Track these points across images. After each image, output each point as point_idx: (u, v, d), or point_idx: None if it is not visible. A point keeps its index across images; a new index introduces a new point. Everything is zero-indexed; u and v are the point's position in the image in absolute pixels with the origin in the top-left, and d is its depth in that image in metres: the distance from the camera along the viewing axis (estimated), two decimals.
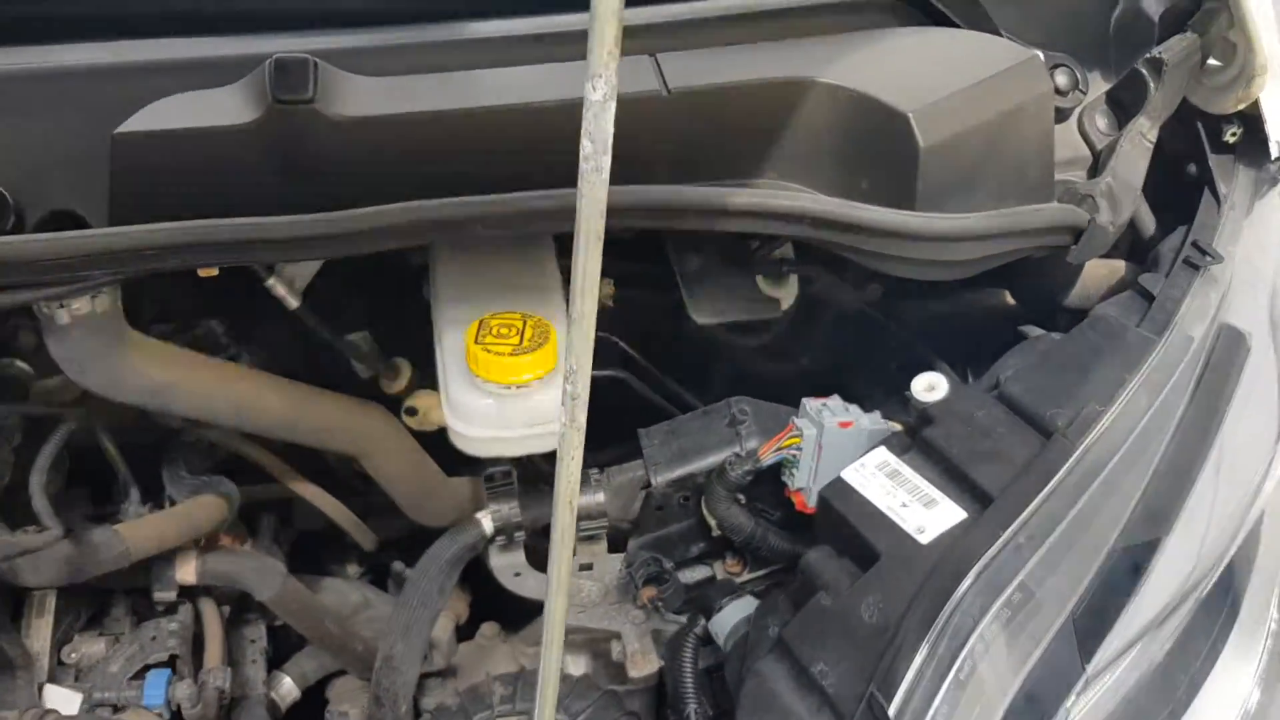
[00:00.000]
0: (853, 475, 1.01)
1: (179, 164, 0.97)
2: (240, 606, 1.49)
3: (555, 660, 0.71)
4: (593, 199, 0.51)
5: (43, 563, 1.15)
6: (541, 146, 1.02)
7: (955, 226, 0.99)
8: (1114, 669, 0.87)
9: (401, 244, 0.98)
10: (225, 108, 0.97)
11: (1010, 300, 1.46)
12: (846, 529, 0.99)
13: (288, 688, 1.50)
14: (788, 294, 1.26)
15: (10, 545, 1.10)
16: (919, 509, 0.96)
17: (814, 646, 0.93)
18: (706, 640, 1.36)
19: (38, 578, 1.15)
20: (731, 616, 1.13)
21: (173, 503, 1.36)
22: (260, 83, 0.96)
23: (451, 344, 1.12)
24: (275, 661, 1.48)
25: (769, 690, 0.94)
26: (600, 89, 0.50)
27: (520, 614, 1.52)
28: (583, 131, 0.52)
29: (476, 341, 1.05)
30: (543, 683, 0.71)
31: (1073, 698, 0.85)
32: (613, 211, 0.95)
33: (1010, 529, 0.90)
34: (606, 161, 0.52)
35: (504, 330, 1.05)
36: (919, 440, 1.03)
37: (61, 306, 1.00)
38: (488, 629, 1.64)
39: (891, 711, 0.83)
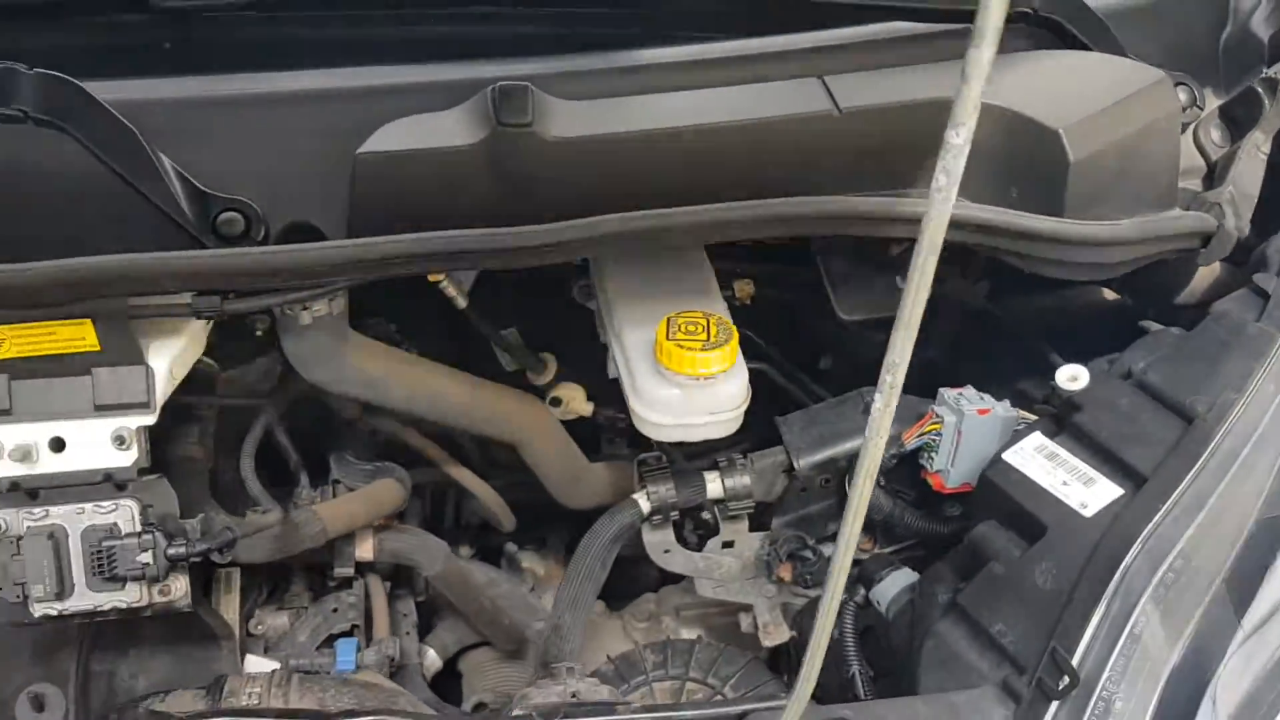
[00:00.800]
0: (1013, 457, 1.13)
1: (411, 180, 1.08)
2: (393, 583, 1.61)
3: (826, 631, 0.82)
4: (939, 221, 0.62)
5: (257, 542, 1.26)
6: (729, 162, 1.14)
7: (1110, 233, 1.11)
8: (1265, 628, 0.98)
9: (613, 251, 1.09)
10: (451, 130, 1.08)
11: (1108, 296, 1.57)
12: (1011, 505, 1.10)
13: (431, 659, 1.62)
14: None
15: (247, 525, 1.21)
16: (1079, 486, 1.08)
17: (991, 610, 1.05)
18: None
19: (250, 555, 1.27)
20: (892, 586, 1.24)
21: (341, 485, 1.48)
22: (484, 108, 1.07)
23: (634, 340, 1.23)
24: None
25: (949, 649, 1.06)
26: (961, 135, 0.61)
27: (623, 593, 1.65)
28: (938, 167, 0.62)
29: (669, 338, 1.16)
30: (811, 653, 0.82)
31: (1231, 652, 0.96)
32: (816, 220, 1.07)
33: (1167, 503, 1.02)
34: (954, 193, 0.63)
35: (691, 327, 1.17)
36: (1069, 425, 1.14)
37: (305, 309, 1.12)
38: (596, 605, 1.76)
39: (1076, 661, 0.94)
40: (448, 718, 1.04)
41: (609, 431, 1.68)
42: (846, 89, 1.15)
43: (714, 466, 1.41)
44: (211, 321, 1.15)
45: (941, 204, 0.60)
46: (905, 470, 1.37)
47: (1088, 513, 1.05)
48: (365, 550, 1.45)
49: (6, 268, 0.99)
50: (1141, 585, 0.97)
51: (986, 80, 0.59)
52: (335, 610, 1.47)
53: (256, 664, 1.39)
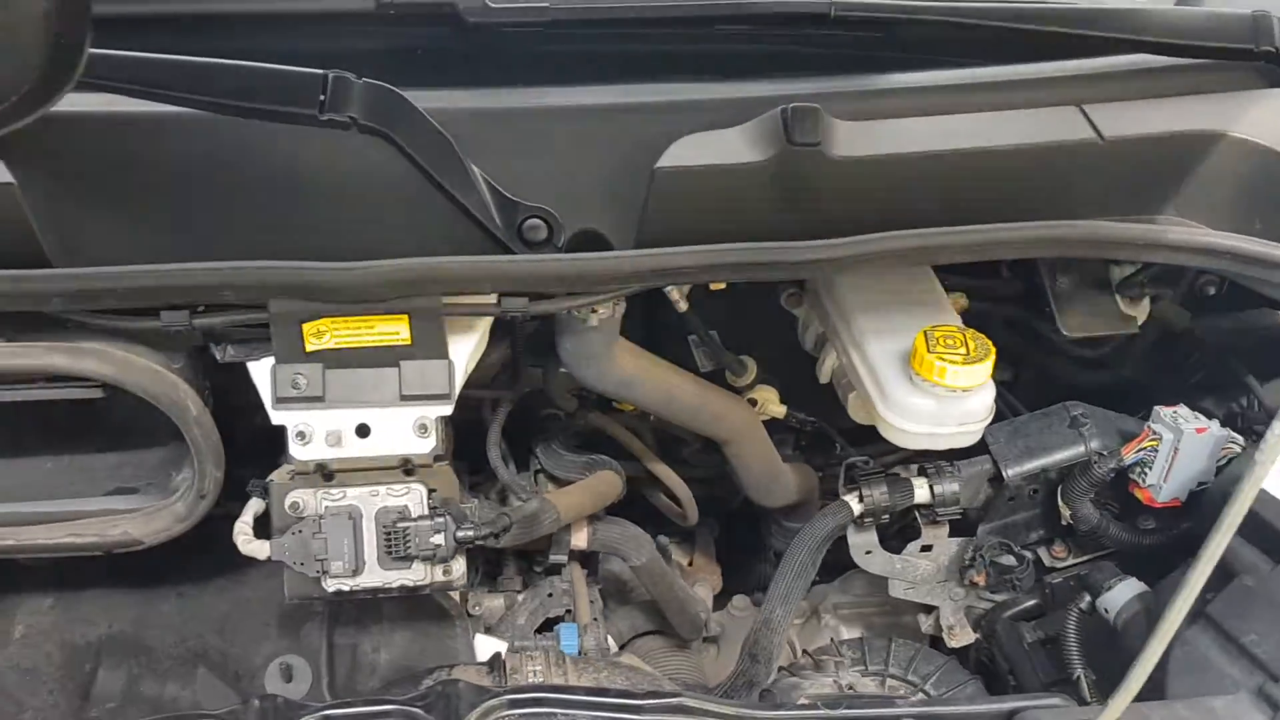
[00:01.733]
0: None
1: (702, 194, 1.14)
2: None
3: (1166, 638, 0.87)
4: None
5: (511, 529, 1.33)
6: (997, 185, 1.20)
7: None
8: None
9: (890, 265, 1.15)
10: (742, 147, 1.14)
11: None
12: (1253, 519, 1.16)
13: (610, 645, 1.69)
14: (1141, 313, 1.43)
15: (516, 512, 1.28)
16: None
17: (1242, 620, 1.11)
18: (1030, 615, 1.55)
19: (504, 541, 1.33)
20: (1121, 595, 1.30)
21: (543, 474, 1.55)
22: (774, 127, 1.13)
23: (880, 350, 1.29)
24: None
25: (1200, 656, 1.12)
26: None
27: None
28: None
29: (929, 350, 1.22)
30: (1144, 659, 0.87)
31: None
32: (1082, 244, 1.12)
33: None
34: None
35: (950, 342, 1.23)
36: None
37: (594, 311, 1.18)
38: (739, 601, 1.83)
39: None
40: (738, 705, 1.09)
41: (781, 432, 1.74)
42: (1107, 118, 1.20)
43: (922, 472, 1.47)
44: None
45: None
46: (1117, 488, 1.43)
47: None
48: (580, 539, 1.52)
49: (343, 266, 1.06)
50: None
51: None
52: (550, 595, 1.54)
53: (485, 642, 1.46)
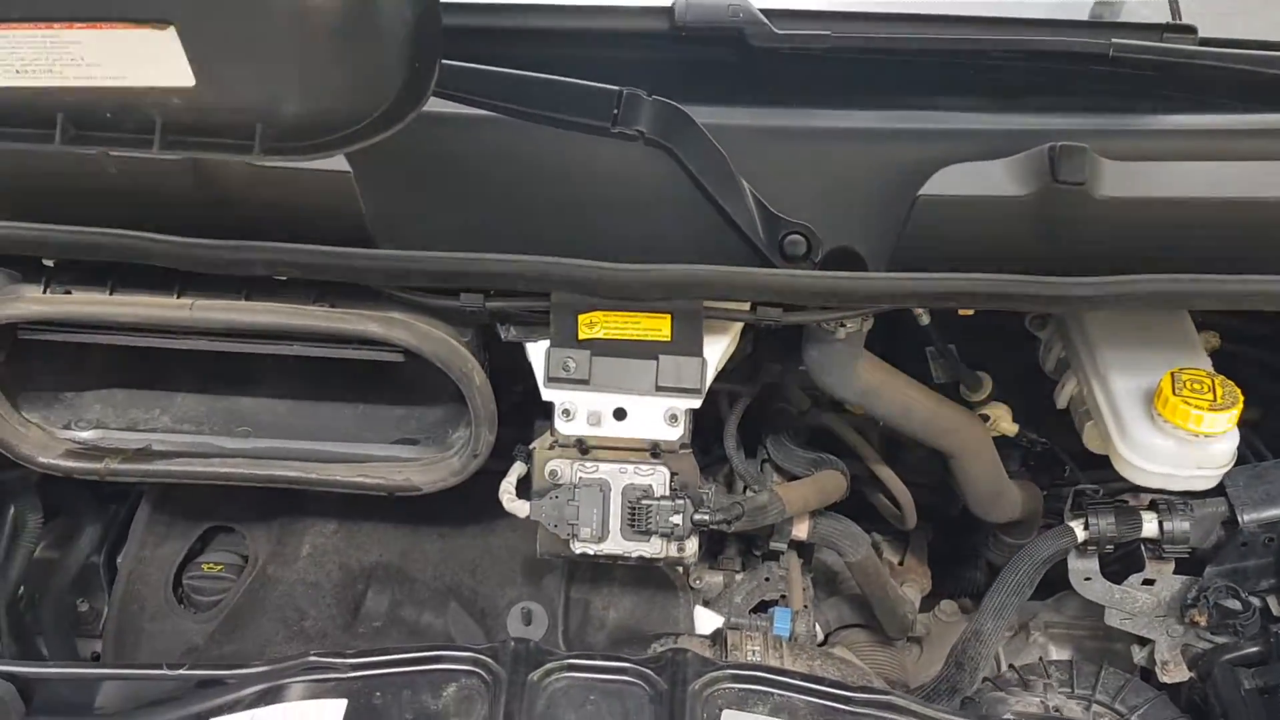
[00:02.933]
0: None
1: (961, 223, 1.19)
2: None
3: None
4: None
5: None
6: (1256, 235, 1.19)
7: None
8: None
9: (1142, 307, 1.17)
10: (1005, 180, 1.17)
11: None
12: None
13: (818, 633, 1.76)
14: None
15: (748, 503, 1.38)
16: None
17: None
18: (1252, 662, 1.52)
19: (730, 528, 1.43)
20: None
21: (770, 464, 1.63)
22: (1040, 163, 1.16)
23: (1124, 386, 1.31)
24: None
25: None
26: None
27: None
28: None
29: (1175, 393, 1.23)
30: None
31: None
32: None
33: None
34: None
35: (1197, 386, 1.23)
36: None
37: (842, 325, 1.26)
38: (947, 605, 1.85)
39: None
40: (948, 711, 1.16)
41: (1009, 448, 1.76)
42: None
43: (1152, 507, 1.47)
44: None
45: None
46: None
47: None
48: (801, 531, 1.59)
49: (621, 267, 1.17)
50: None
51: None
52: (767, 579, 1.64)
53: (703, 614, 1.57)
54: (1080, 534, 1.49)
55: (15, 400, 1.37)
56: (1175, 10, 1.48)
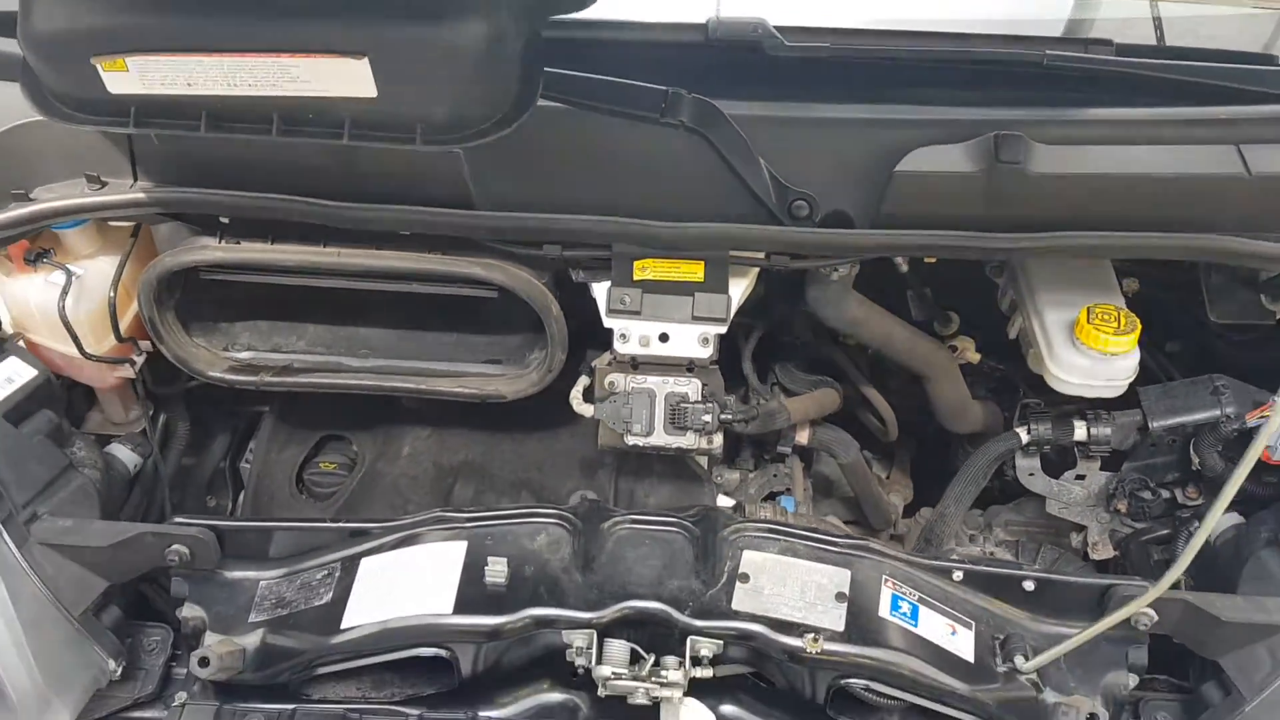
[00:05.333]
0: None
1: (928, 193, 1.55)
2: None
3: (1202, 537, 1.26)
4: None
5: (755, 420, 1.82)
6: (1158, 204, 1.55)
7: None
8: None
9: (1065, 257, 1.54)
10: (960, 160, 1.54)
11: None
12: None
13: None
14: None
15: (761, 409, 1.77)
16: None
17: None
18: (1162, 542, 1.91)
19: (748, 429, 1.82)
20: (1223, 524, 1.66)
21: (778, 387, 2.01)
22: (987, 147, 1.52)
23: (1054, 319, 1.69)
24: None
25: (1266, 569, 1.49)
26: None
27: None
28: None
29: (1089, 321, 1.61)
30: (1187, 552, 1.27)
31: None
32: (1219, 254, 1.48)
33: None
34: None
35: (1106, 316, 1.61)
36: None
37: (836, 270, 1.64)
38: (926, 511, 2.24)
39: None
40: (906, 552, 1.54)
41: (975, 376, 2.13)
42: (1258, 157, 1.53)
43: (1082, 416, 1.85)
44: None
45: None
46: (1239, 444, 1.77)
47: None
48: (803, 437, 1.98)
49: (667, 225, 1.54)
50: None
51: None
52: (775, 476, 2.03)
53: (724, 501, 1.96)
54: (1024, 437, 1.88)
55: (188, 329, 1.76)
56: (1159, 31, 1.86)
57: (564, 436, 1.99)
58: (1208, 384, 1.80)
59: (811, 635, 1.39)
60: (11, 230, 1.62)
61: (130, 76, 1.26)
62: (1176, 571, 1.33)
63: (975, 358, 2.04)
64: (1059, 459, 1.95)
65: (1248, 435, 1.73)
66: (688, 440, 1.68)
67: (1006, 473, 1.99)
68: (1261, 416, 1.70)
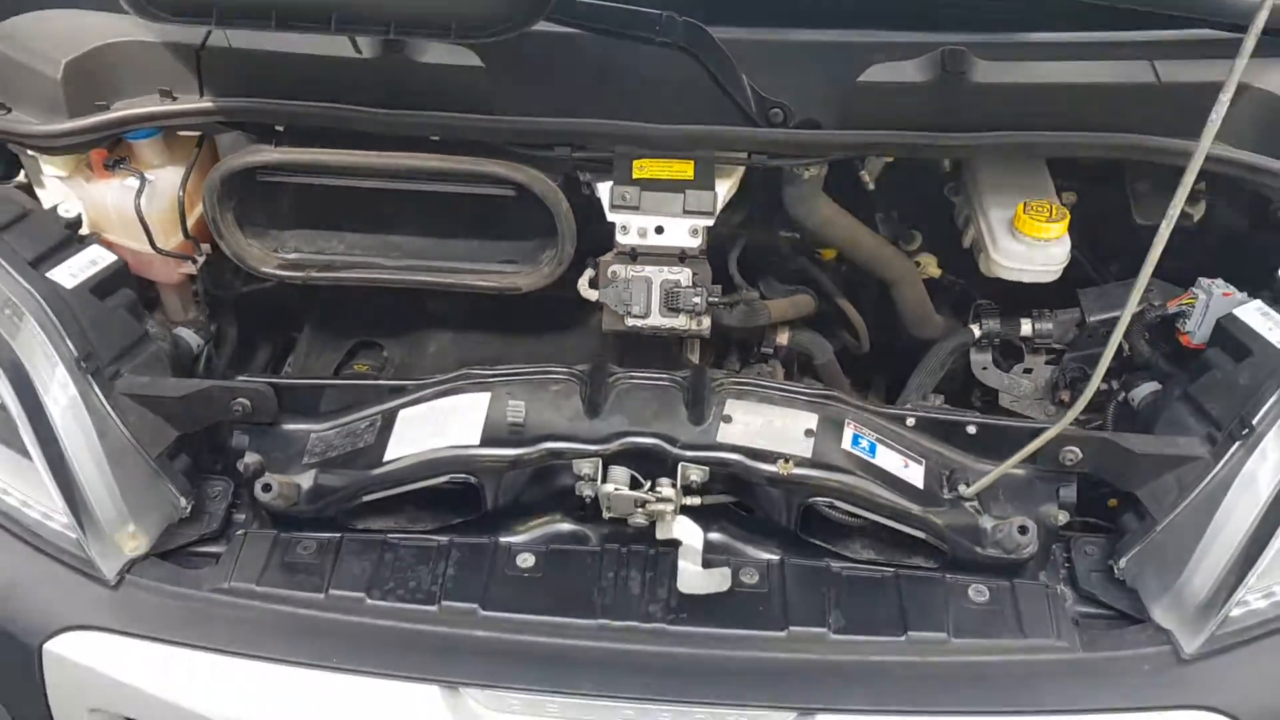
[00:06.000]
0: (1240, 311, 1.77)
1: (885, 99, 1.81)
2: None
3: (1105, 364, 1.52)
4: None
5: (736, 311, 2.07)
6: (1084, 108, 1.81)
7: None
8: None
9: (1001, 155, 1.80)
10: (913, 72, 1.80)
11: None
12: (1231, 340, 1.76)
13: None
14: (1198, 212, 2.02)
15: (743, 298, 2.02)
16: (1279, 332, 1.72)
17: (1208, 396, 1.72)
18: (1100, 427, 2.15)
19: (730, 320, 2.07)
20: (1143, 390, 1.91)
21: (764, 297, 2.26)
22: (935, 60, 1.78)
23: (997, 215, 1.95)
24: None
25: (1178, 418, 1.74)
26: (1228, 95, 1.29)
27: None
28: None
29: (1025, 213, 1.87)
30: (1091, 384, 1.53)
31: None
32: (1133, 150, 1.74)
33: None
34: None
35: (1039, 208, 1.87)
36: None
37: (806, 170, 1.90)
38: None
39: (1255, 421, 1.60)
40: (866, 405, 1.79)
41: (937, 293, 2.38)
42: (1168, 69, 1.79)
43: (1028, 315, 2.11)
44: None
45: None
46: (1163, 330, 2.02)
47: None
48: (782, 338, 2.23)
49: (662, 128, 1.80)
50: None
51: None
52: (759, 374, 2.27)
53: None
54: (976, 333, 2.13)
55: (243, 231, 2.01)
56: None
57: (572, 336, 2.24)
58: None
59: (783, 459, 1.63)
60: (94, 135, 1.88)
61: None
62: (1081, 404, 1.58)
63: (936, 272, 2.29)
64: (1009, 357, 2.20)
65: (1170, 320, 1.99)
66: (680, 321, 1.93)
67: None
68: (1181, 304, 1.96)
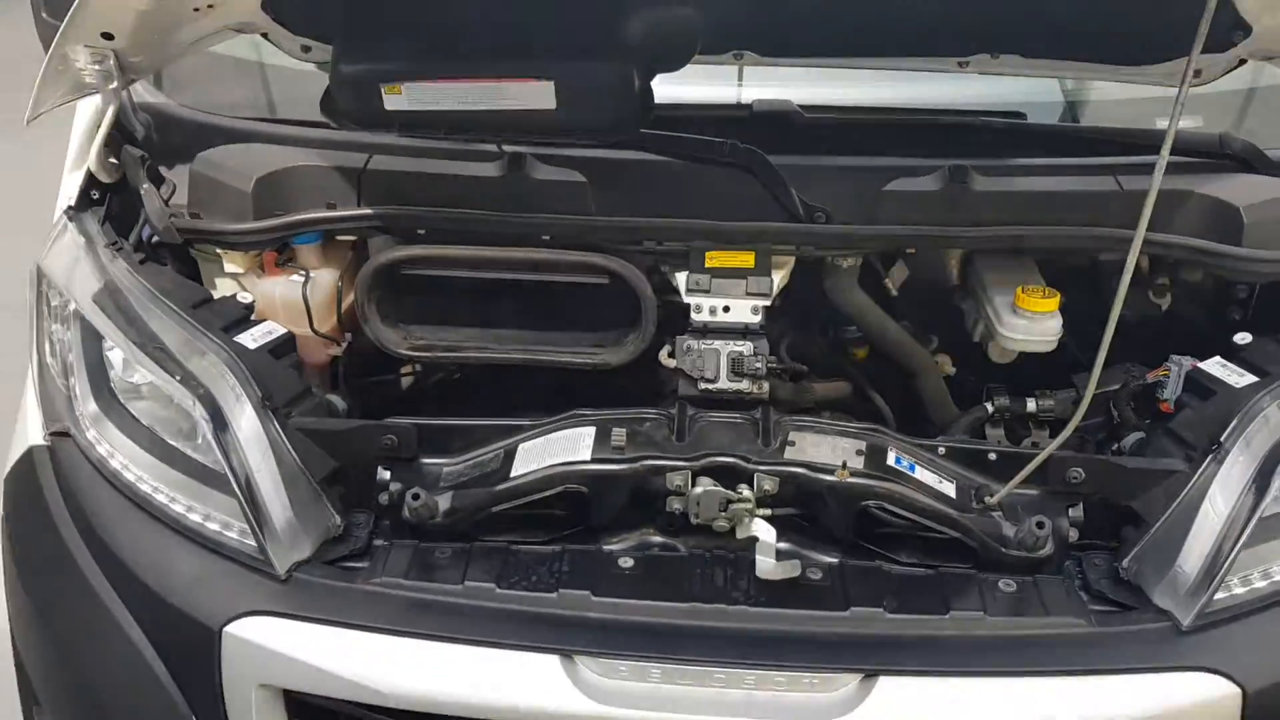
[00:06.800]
0: (1205, 365, 2.19)
1: (905, 202, 2.30)
2: None
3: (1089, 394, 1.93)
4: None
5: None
6: (1062, 211, 2.30)
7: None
8: None
9: (998, 247, 2.28)
10: (926, 183, 2.30)
11: None
12: (1199, 386, 2.16)
13: None
14: (1165, 302, 2.47)
15: (793, 367, 2.44)
16: (1236, 377, 2.13)
17: (1183, 429, 2.11)
18: None
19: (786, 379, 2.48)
20: (1130, 439, 2.29)
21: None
22: (944, 174, 2.28)
23: (1001, 300, 2.39)
24: None
25: (1161, 448, 2.12)
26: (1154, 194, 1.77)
27: None
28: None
29: (1023, 293, 2.32)
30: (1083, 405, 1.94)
31: None
32: (1096, 240, 2.21)
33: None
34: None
35: (1035, 290, 2.32)
36: (1237, 356, 2.19)
37: (845, 260, 2.36)
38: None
39: (1223, 439, 1.98)
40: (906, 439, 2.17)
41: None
42: (1131, 181, 2.29)
43: (1032, 394, 2.52)
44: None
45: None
46: (1144, 399, 2.42)
47: (1239, 385, 2.10)
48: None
49: (731, 225, 2.28)
50: (1264, 404, 2.01)
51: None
52: None
53: None
54: (990, 408, 2.53)
55: (383, 319, 2.45)
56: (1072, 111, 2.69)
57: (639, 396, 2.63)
58: (1122, 368, 2.47)
59: (841, 468, 2.00)
60: (274, 234, 2.36)
61: (401, 98, 2.03)
62: (1074, 423, 1.97)
63: (951, 370, 2.72)
64: (1018, 431, 2.59)
65: (1150, 389, 2.39)
66: (744, 384, 2.33)
67: None
68: (1157, 376, 2.37)
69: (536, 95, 2.04)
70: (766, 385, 2.36)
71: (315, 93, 2.30)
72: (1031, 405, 2.52)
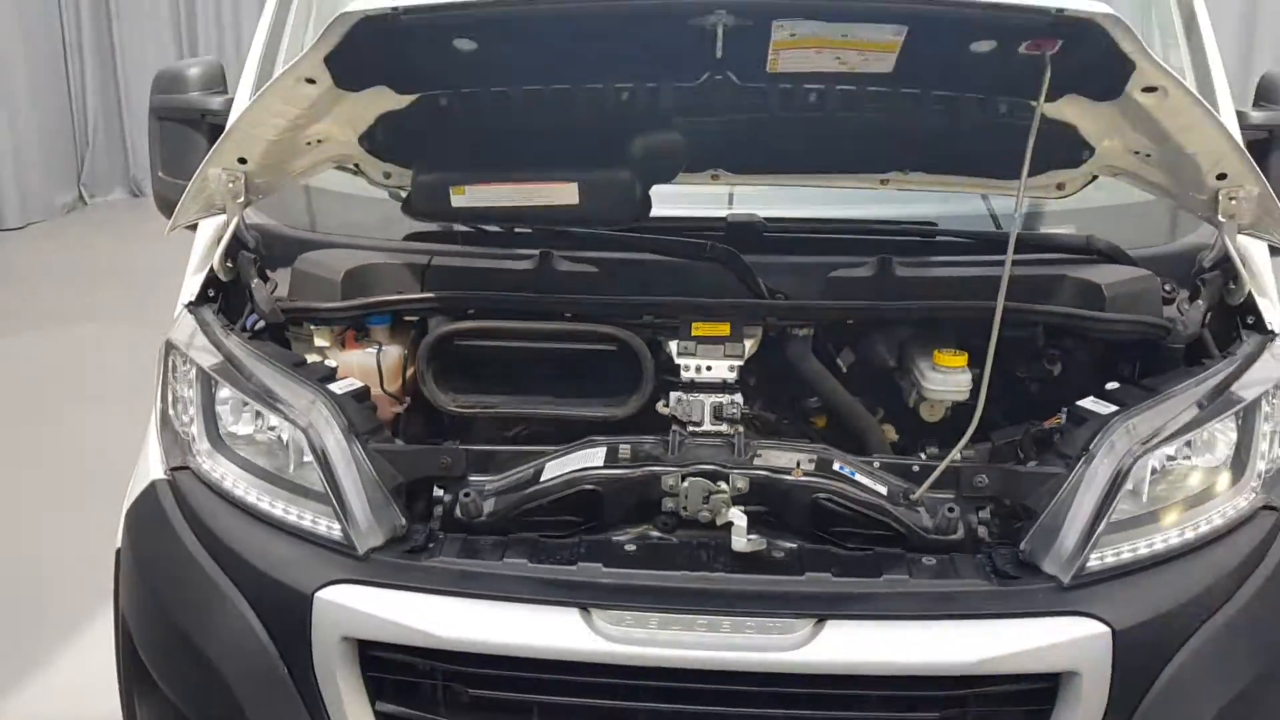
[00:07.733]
0: (1083, 401, 2.81)
1: (848, 286, 2.98)
2: None
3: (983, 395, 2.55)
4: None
5: None
6: (968, 292, 2.98)
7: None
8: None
9: (922, 314, 2.95)
10: (861, 270, 2.99)
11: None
12: (1076, 416, 2.78)
13: None
14: (1056, 369, 3.11)
15: (762, 415, 3.06)
16: (1102, 408, 2.74)
17: (1063, 446, 2.70)
18: None
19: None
20: (1032, 464, 2.88)
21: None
22: (875, 263, 2.97)
23: (924, 364, 3.04)
24: None
25: (1048, 462, 2.71)
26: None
27: None
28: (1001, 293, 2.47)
29: (939, 353, 2.97)
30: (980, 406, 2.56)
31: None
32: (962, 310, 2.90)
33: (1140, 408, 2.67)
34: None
35: (947, 351, 2.97)
36: (1108, 394, 2.82)
37: (800, 330, 3.03)
38: None
39: (1090, 447, 2.58)
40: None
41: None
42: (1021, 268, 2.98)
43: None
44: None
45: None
46: (1039, 441, 3.01)
47: (1104, 412, 2.71)
48: None
49: (712, 301, 2.96)
50: (1121, 422, 2.62)
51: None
52: None
53: None
54: (923, 457, 3.12)
55: (437, 384, 3.08)
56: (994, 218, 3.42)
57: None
58: (1025, 425, 3.09)
59: (796, 467, 2.60)
60: (357, 311, 3.04)
61: (464, 197, 2.75)
62: (967, 436, 2.58)
63: (895, 436, 3.33)
64: None
65: (1045, 434, 3.00)
66: (724, 427, 2.94)
67: None
68: (1051, 424, 2.98)
69: (564, 194, 2.76)
70: (742, 429, 2.97)
71: (374, 218, 3.05)
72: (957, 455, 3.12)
